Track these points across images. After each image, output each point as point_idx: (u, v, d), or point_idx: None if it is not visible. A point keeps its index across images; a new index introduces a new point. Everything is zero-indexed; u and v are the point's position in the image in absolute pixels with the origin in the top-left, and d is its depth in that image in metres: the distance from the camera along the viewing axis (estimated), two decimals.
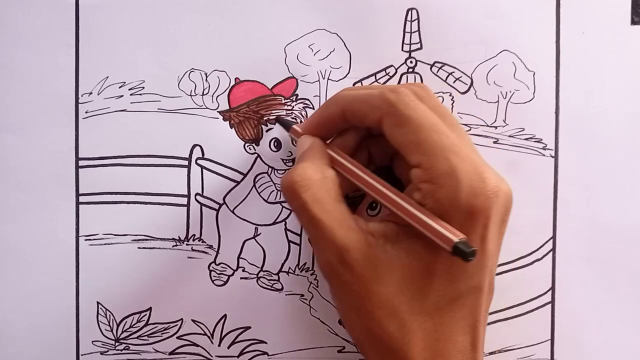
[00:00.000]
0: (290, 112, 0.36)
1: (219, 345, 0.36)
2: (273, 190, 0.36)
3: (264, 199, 0.36)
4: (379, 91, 0.30)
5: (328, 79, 0.36)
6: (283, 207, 0.36)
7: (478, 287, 0.29)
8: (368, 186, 0.30)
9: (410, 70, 0.36)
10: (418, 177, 0.28)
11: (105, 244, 0.36)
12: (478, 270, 0.29)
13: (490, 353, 0.36)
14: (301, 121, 0.36)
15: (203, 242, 0.36)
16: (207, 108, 0.36)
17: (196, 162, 0.36)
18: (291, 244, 0.36)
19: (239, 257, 0.36)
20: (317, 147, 0.32)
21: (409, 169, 0.29)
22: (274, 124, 0.36)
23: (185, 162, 0.36)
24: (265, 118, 0.36)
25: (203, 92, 0.36)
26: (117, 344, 0.36)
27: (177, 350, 0.36)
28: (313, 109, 0.36)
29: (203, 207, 0.36)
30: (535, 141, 0.36)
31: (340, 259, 0.28)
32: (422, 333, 0.28)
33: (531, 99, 0.36)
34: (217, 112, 0.36)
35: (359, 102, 0.30)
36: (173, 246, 0.36)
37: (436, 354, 0.28)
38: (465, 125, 0.36)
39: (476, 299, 0.29)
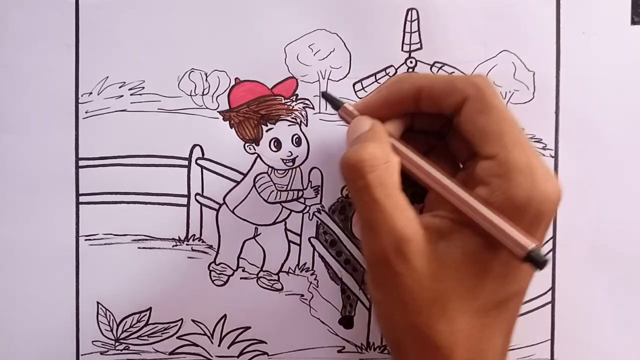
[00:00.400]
0: (290, 112, 0.36)
1: (219, 345, 0.36)
2: (273, 190, 0.36)
3: (264, 199, 0.36)
4: (465, 75, 0.29)
5: (328, 79, 0.36)
6: (283, 207, 0.36)
7: (522, 291, 0.29)
8: (433, 179, 0.29)
9: (411, 70, 0.36)
10: (488, 170, 0.27)
11: (105, 244, 0.36)
12: (528, 274, 0.28)
13: None
14: (301, 121, 0.36)
15: (203, 242, 0.36)
16: (207, 108, 0.36)
17: (196, 162, 0.36)
18: (291, 244, 0.36)
19: (239, 257, 0.36)
20: (380, 130, 0.30)
21: (473, 161, 0.28)
22: (274, 124, 0.36)
23: (185, 162, 0.36)
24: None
25: (203, 92, 0.36)
26: (117, 344, 0.36)
27: (177, 350, 0.36)
28: (313, 108, 0.36)
29: (203, 207, 0.36)
30: (535, 141, 0.36)
31: (397, 248, 0.27)
32: (468, 332, 0.28)
33: (531, 99, 0.36)
34: (217, 112, 0.36)
35: (441, 82, 0.29)
36: (173, 246, 0.36)
37: (478, 354, 0.28)
38: None
39: (518, 302, 0.29)
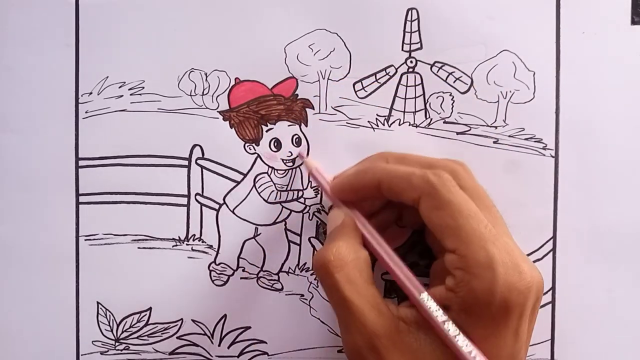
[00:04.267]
0: (290, 112, 0.36)
1: (219, 345, 0.36)
2: (273, 190, 0.36)
3: (264, 199, 0.36)
4: (421, 171, 0.29)
5: (328, 78, 0.36)
6: (283, 207, 0.36)
7: None
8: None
9: (411, 70, 0.36)
10: (452, 263, 0.28)
11: (105, 244, 0.36)
12: None
13: None
14: (301, 121, 0.36)
15: (203, 242, 0.36)
16: (207, 108, 0.36)
17: (196, 162, 0.36)
18: (291, 244, 0.36)
19: (239, 257, 0.36)
20: (350, 224, 0.31)
21: (442, 251, 0.28)
22: (274, 124, 0.36)
23: (185, 162, 0.36)
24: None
25: (203, 92, 0.36)
26: (117, 344, 0.36)
27: (177, 350, 0.36)
28: (313, 108, 0.36)
29: (203, 207, 0.36)
30: (535, 141, 0.36)
31: (369, 344, 0.28)
32: None
33: (531, 99, 0.36)
34: (217, 112, 0.36)
35: (399, 178, 0.30)
36: (173, 246, 0.36)
37: None
38: (465, 125, 0.36)
39: None
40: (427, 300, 0.28)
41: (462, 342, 0.27)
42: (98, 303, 0.36)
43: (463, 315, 0.28)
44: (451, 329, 0.27)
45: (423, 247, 0.34)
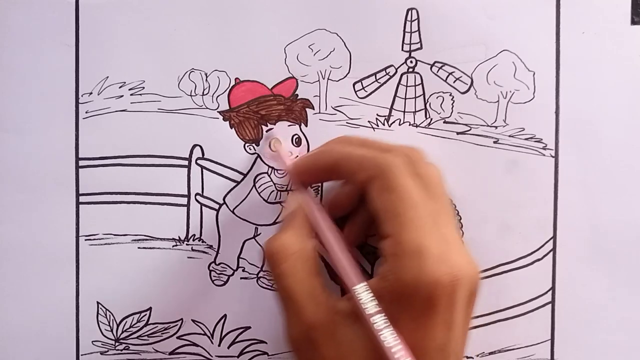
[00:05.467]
0: (290, 112, 0.36)
1: (219, 345, 0.36)
2: (273, 190, 0.36)
3: (264, 199, 0.36)
4: (374, 154, 0.29)
5: (328, 79, 0.36)
6: (283, 207, 0.36)
7: None
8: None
9: (410, 70, 0.36)
10: (386, 249, 0.28)
11: (105, 244, 0.36)
12: (441, 353, 0.28)
13: (490, 353, 0.36)
14: (301, 121, 0.36)
15: (203, 242, 0.36)
16: (207, 108, 0.36)
17: (196, 162, 0.36)
18: None
19: (239, 257, 0.36)
20: (301, 212, 0.32)
21: (381, 239, 0.29)
22: (274, 124, 0.36)
23: (185, 162, 0.36)
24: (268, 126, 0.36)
25: (203, 92, 0.36)
26: (117, 344, 0.36)
27: (177, 350, 0.36)
28: (313, 108, 0.36)
29: (203, 207, 0.36)
30: (535, 141, 0.36)
31: (306, 335, 0.28)
32: None
33: (531, 99, 0.36)
34: (217, 112, 0.36)
35: (352, 159, 0.30)
36: (173, 246, 0.36)
37: None
38: (466, 125, 0.36)
39: None
40: (361, 292, 0.28)
41: (386, 337, 0.27)
42: (98, 303, 0.36)
43: (393, 305, 0.27)
44: (379, 322, 0.27)
45: None
